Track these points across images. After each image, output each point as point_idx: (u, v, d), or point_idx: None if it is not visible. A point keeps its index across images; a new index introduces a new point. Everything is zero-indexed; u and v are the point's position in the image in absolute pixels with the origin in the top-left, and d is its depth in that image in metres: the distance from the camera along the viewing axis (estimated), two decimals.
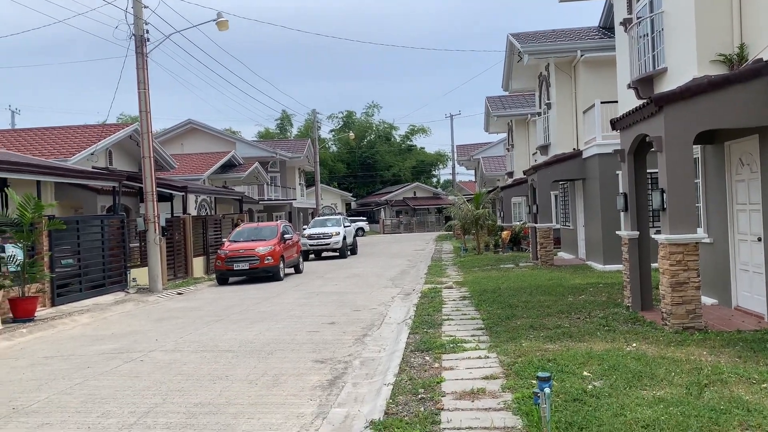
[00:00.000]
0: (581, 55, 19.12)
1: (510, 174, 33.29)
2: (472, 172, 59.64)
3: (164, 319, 12.41)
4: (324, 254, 30.51)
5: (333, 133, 78.21)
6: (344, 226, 31.29)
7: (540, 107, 23.17)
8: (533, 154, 28.97)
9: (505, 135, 42.16)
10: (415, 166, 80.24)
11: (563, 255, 22.01)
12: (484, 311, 10.93)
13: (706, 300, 10.27)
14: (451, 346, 8.11)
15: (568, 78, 20.22)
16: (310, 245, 29.63)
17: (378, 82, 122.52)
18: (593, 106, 17.82)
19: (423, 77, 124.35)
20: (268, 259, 19.02)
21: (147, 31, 17.25)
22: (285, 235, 20.48)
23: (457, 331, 9.24)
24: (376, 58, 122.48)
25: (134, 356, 8.77)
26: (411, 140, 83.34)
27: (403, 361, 7.50)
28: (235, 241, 20.08)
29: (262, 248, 19.20)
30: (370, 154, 79.44)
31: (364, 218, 65.65)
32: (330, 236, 29.66)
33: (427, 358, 7.60)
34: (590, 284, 13.83)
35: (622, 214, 10.69)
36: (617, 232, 11.11)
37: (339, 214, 45.08)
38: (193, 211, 30.54)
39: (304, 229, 32.61)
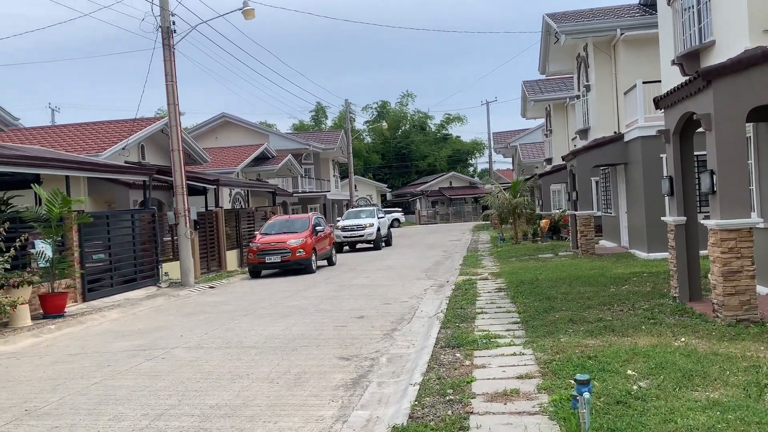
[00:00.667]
0: (621, 34, 18.25)
1: (548, 161, 32.42)
2: (509, 160, 58.57)
3: (192, 314, 12.21)
4: (358, 246, 30.21)
5: (367, 124, 77.84)
6: (378, 218, 30.90)
7: (578, 90, 22.32)
8: (572, 139, 28.06)
9: (542, 120, 41.13)
10: (451, 156, 79.31)
11: (605, 243, 21.21)
12: (521, 304, 10.40)
13: (762, 289, 9.54)
14: (484, 341, 7.63)
15: (608, 58, 19.35)
16: (344, 237, 29.34)
17: (412, 72, 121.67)
18: (634, 86, 16.98)
19: (458, 65, 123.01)
20: (299, 252, 18.75)
21: (173, 23, 17.07)
22: (317, 227, 20.19)
23: (491, 326, 8.74)
24: (409, 47, 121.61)
25: (156, 353, 8.52)
26: (446, 129, 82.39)
27: (432, 358, 7.06)
28: (266, 234, 19.88)
29: (293, 241, 18.95)
30: (404, 144, 78.81)
31: (400, 209, 65.21)
32: (364, 228, 29.31)
33: (458, 354, 7.13)
34: (634, 274, 13.14)
35: (667, 198, 10.02)
36: (662, 219, 10.43)
37: (373, 205, 44.91)
38: (227, 204, 30.56)
39: (338, 220, 32.35)
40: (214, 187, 21.72)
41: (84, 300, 14.28)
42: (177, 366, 7.72)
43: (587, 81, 20.56)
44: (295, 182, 41.72)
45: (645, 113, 16.71)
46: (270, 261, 18.73)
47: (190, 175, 22.02)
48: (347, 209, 37.81)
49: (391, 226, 57.94)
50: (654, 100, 9.97)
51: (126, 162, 21.11)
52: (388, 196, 78.17)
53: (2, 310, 10.73)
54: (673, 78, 11.37)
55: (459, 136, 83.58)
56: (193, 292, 16.15)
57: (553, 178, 28.93)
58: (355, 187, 70.26)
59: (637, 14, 19.10)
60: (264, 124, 57.54)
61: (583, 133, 21.53)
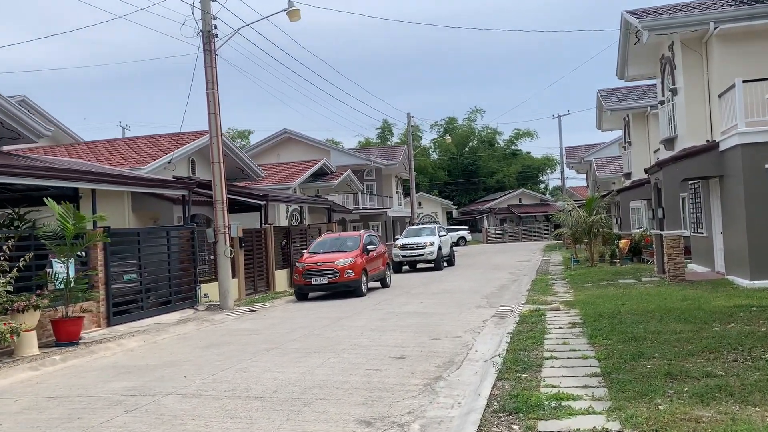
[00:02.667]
0: (715, 28, 15.84)
1: (627, 175, 29.70)
2: (583, 176, 55.45)
3: (214, 346, 10.72)
4: (419, 266, 28.44)
5: (432, 141, 76.23)
6: (439, 236, 29.04)
7: (663, 95, 19.87)
8: (654, 152, 25.41)
9: (619, 133, 38.22)
10: (521, 172, 76.47)
11: (695, 267, 18.59)
12: (600, 346, 8.36)
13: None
14: (553, 405, 5.70)
15: (698, 57, 16.94)
16: (403, 256, 27.64)
17: (481, 88, 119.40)
18: (732, 86, 14.58)
19: (529, 78, 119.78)
20: (348, 273, 17.14)
21: (215, 27, 15.95)
22: (368, 246, 18.55)
23: (563, 378, 6.79)
24: (478, 62, 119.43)
25: (143, 402, 7.00)
26: (516, 144, 79.73)
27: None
28: (314, 253, 18.39)
29: (342, 261, 17.36)
30: (472, 161, 76.64)
31: (466, 227, 63.03)
32: (424, 246, 27.51)
33: (515, 427, 5.24)
34: (739, 307, 10.78)
35: None
36: None
37: (434, 222, 42.85)
38: (284, 221, 29.45)
39: (396, 239, 30.67)
40: (263, 203, 20.46)
41: (109, 324, 13.09)
42: (155, 423, 6.15)
43: (673, 84, 18.14)
44: (355, 198, 40.41)
45: (746, 117, 14.29)
46: (316, 283, 17.20)
47: (239, 190, 20.91)
48: (409, 226, 36.09)
49: (456, 244, 56.22)
50: None
51: (175, 177, 20.17)
52: (454, 214, 76.01)
53: (2, 338, 9.54)
54: None
55: (529, 152, 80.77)
56: (230, 317, 14.77)
57: (633, 194, 26.26)
58: (420, 204, 68.70)
59: (731, 5, 16.66)
60: (330, 142, 56.84)
61: (669, 142, 19.05)
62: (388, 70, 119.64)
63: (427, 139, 75.17)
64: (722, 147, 15.42)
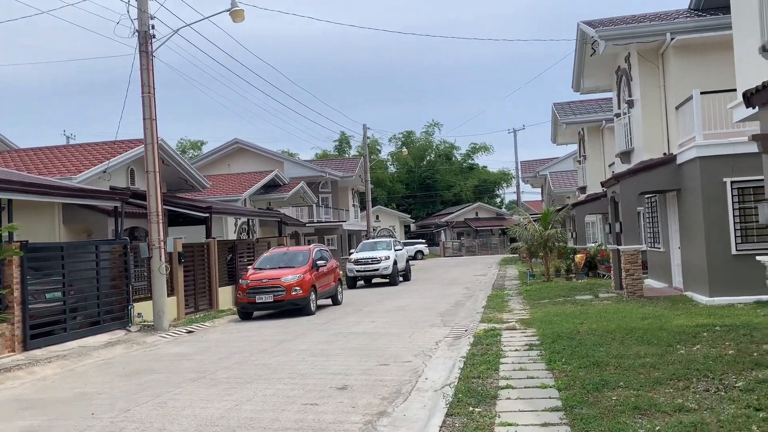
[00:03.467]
0: (671, 39, 15.58)
1: (582, 189, 29.53)
2: (538, 190, 55.62)
3: (137, 374, 9.64)
4: (375, 281, 27.59)
5: (390, 155, 75.77)
6: (395, 250, 28.27)
7: (619, 107, 19.60)
8: (609, 165, 25.24)
9: (574, 147, 38.30)
10: (477, 186, 76.63)
11: (652, 283, 18.23)
12: (560, 372, 7.65)
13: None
14: None
15: (655, 69, 16.66)
16: (357, 271, 26.76)
17: (439, 103, 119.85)
18: (690, 98, 14.27)
19: (486, 93, 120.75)
20: (295, 290, 16.16)
21: (153, 26, 14.90)
22: (318, 261, 17.60)
23: (520, 414, 6.03)
24: (436, 79, 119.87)
25: None
26: (473, 158, 79.99)
27: None
28: (260, 269, 17.35)
29: (289, 277, 16.37)
30: (429, 174, 76.45)
31: (423, 241, 62.43)
32: (379, 261, 26.69)
33: None
34: (702, 327, 10.26)
35: None
36: (759, 258, 7.61)
37: (390, 236, 42.19)
38: (232, 234, 28.27)
39: (351, 253, 29.78)
40: (207, 215, 19.33)
41: (25, 349, 11.83)
42: None
43: (630, 96, 17.85)
44: (310, 211, 39.41)
45: (704, 129, 13.96)
46: (261, 301, 16.15)
47: (180, 202, 19.76)
48: (364, 240, 35.22)
49: (413, 258, 55.55)
50: (744, 95, 7.28)
51: (111, 188, 18.90)
52: (412, 227, 75.55)
53: None
54: (755, 72, 8.68)
55: (485, 166, 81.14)
56: (164, 339, 13.62)
57: (588, 208, 26.02)
58: (377, 218, 67.97)
59: (688, 17, 16.45)
60: (286, 153, 55.65)
61: (625, 155, 18.74)
62: (346, 84, 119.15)
63: (386, 152, 74.80)
64: (680, 160, 15.09)
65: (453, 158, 79.41)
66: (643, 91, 16.85)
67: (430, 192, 76.52)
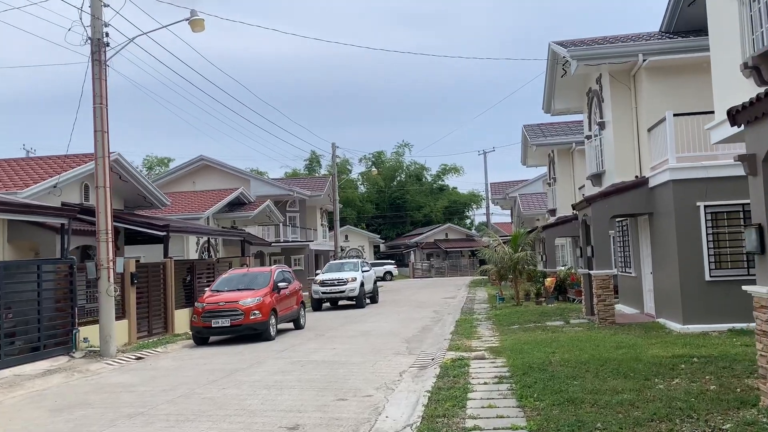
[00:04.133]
0: (644, 60, 15.33)
1: (552, 212, 29.27)
2: (508, 212, 55.55)
3: (69, 409, 8.74)
4: (341, 302, 26.80)
5: (360, 175, 75.30)
6: (363, 271, 27.57)
7: (590, 129, 19.32)
8: (580, 188, 25.02)
9: (544, 170, 38.23)
10: (448, 207, 76.48)
11: (623, 309, 17.81)
12: (532, 410, 7.02)
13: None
14: None
15: (627, 90, 16.40)
16: (323, 293, 25.97)
17: (410, 125, 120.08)
18: (663, 120, 13.98)
19: (458, 115, 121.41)
20: (254, 314, 15.32)
21: (107, 34, 14.13)
22: (279, 284, 16.79)
23: None
24: (408, 99, 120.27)
25: None
26: (443, 180, 79.96)
27: None
28: (218, 291, 16.46)
29: (248, 300, 15.53)
30: (400, 195, 76.13)
31: (393, 261, 61.76)
32: (345, 282, 25.95)
33: None
34: (678, 357, 9.76)
35: (756, 258, 6.67)
36: (746, 288, 7.11)
37: (357, 257, 41.37)
38: (194, 254, 27.28)
39: (317, 274, 28.97)
40: (164, 233, 18.43)
41: None
42: None
43: (601, 118, 17.56)
44: (276, 231, 38.51)
45: (677, 152, 13.65)
46: (217, 326, 15.26)
47: (135, 219, 18.83)
48: (332, 260, 34.44)
49: (382, 279, 54.80)
50: (729, 112, 6.82)
51: (63, 204, 17.90)
52: (382, 248, 74.92)
53: None
54: (734, 92, 8.29)
55: (456, 188, 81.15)
56: (109, 366, 12.68)
57: (558, 230, 25.72)
58: (346, 238, 67.20)
59: (659, 40, 16.26)
60: (255, 172, 54.66)
61: (597, 178, 18.42)
62: (317, 104, 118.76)
63: (356, 172, 74.34)
64: (652, 183, 14.75)
65: (423, 179, 79.28)
66: (614, 113, 16.57)
67: (400, 212, 76.14)
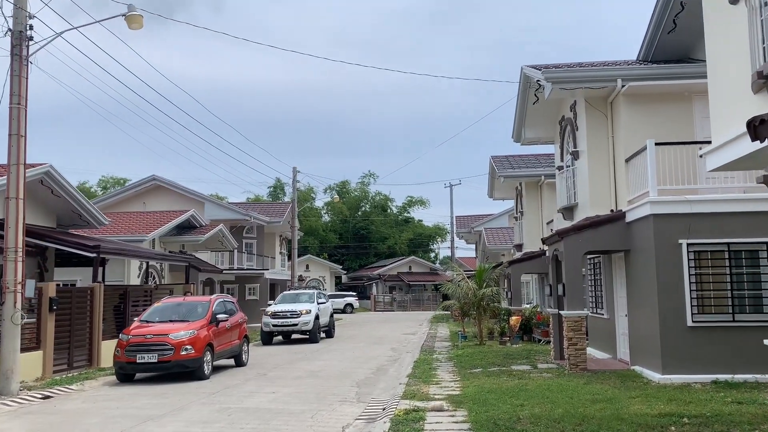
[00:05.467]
0: (622, 86, 14.31)
1: (518, 246, 28.15)
2: (473, 247, 54.53)
3: None
4: (294, 336, 25.03)
5: (325, 204, 73.76)
6: (318, 303, 25.91)
7: (562, 159, 18.24)
8: (548, 223, 23.95)
9: (510, 204, 37.32)
10: (412, 239, 75.18)
11: (594, 353, 16.48)
12: None
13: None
14: None
15: (603, 118, 15.37)
16: (273, 325, 24.20)
17: (376, 158, 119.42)
18: (643, 149, 12.89)
19: (424, 146, 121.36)
20: (186, 350, 13.54)
21: (31, 27, 12.52)
22: (219, 315, 15.06)
23: None
24: (374, 130, 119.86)
25: None
26: (408, 212, 78.85)
27: None
28: (148, 322, 14.63)
29: (181, 333, 13.75)
30: (364, 225, 74.64)
31: (354, 293, 59.97)
32: (299, 315, 24.23)
33: None
34: (666, 417, 8.40)
35: None
36: None
37: (313, 288, 39.62)
38: (135, 279, 25.26)
39: (269, 304, 27.17)
40: (94, 254, 16.58)
41: None
42: None
43: (575, 147, 16.49)
44: (231, 257, 36.58)
45: (659, 184, 12.53)
46: (143, 361, 13.41)
47: (59, 237, 16.97)
48: (286, 291, 32.63)
49: (342, 311, 52.93)
50: (750, 124, 5.54)
51: None
52: (344, 279, 73.04)
53: None
54: (741, 109, 7.12)
55: (421, 220, 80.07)
56: (5, 408, 10.77)
57: (525, 266, 24.48)
58: (307, 267, 65.23)
59: (639, 65, 15.35)
60: (215, 196, 52.64)
61: (568, 211, 17.27)
62: (282, 133, 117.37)
63: (322, 201, 72.77)
64: (630, 218, 13.59)
65: (388, 210, 78.10)
66: (590, 142, 15.48)
67: (364, 243, 74.57)
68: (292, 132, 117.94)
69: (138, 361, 13.40)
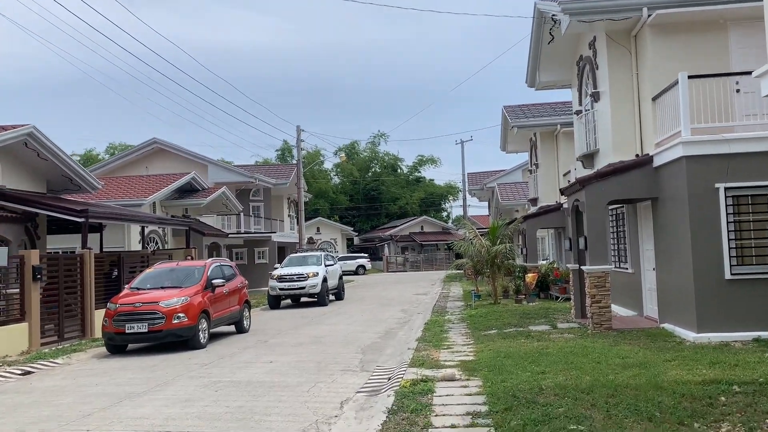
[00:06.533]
0: (649, 15, 12.81)
1: (533, 201, 26.83)
2: (485, 204, 53.19)
3: None
4: (303, 299, 24.16)
5: (335, 167, 72.36)
6: (326, 265, 24.92)
7: (580, 104, 16.85)
8: (565, 175, 22.59)
9: (524, 158, 35.86)
10: (424, 199, 73.84)
11: (617, 310, 15.31)
12: None
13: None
14: None
15: (626, 53, 13.91)
16: (280, 289, 23.28)
17: (386, 119, 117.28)
18: (674, 85, 11.52)
19: (435, 108, 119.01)
20: (178, 317, 12.57)
21: None
22: (214, 281, 14.07)
23: None
24: (386, 92, 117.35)
25: None
26: (419, 171, 77.22)
27: None
28: (138, 289, 13.67)
29: (172, 300, 12.76)
30: (374, 186, 73.33)
31: (366, 255, 59.07)
32: (306, 278, 23.28)
33: None
34: (713, 384, 7.30)
35: None
36: None
37: (321, 249, 38.67)
38: (137, 245, 24.37)
39: (276, 268, 26.24)
40: (82, 219, 15.58)
41: None
42: None
43: (595, 88, 15.08)
44: (238, 221, 35.60)
45: (693, 123, 11.19)
46: (132, 331, 12.47)
47: (50, 203, 15.97)
48: (293, 254, 31.66)
49: (355, 272, 52.14)
50: None
51: None
52: (355, 240, 72.15)
53: None
54: None
55: (432, 180, 78.44)
56: None
57: (540, 221, 23.28)
58: (318, 230, 64.38)
59: None
60: (222, 161, 51.48)
61: (588, 158, 15.96)
62: (291, 96, 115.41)
63: (331, 163, 71.41)
64: (658, 162, 12.29)
65: (399, 170, 76.59)
66: (612, 81, 14.06)
67: (375, 204, 73.42)
68: (299, 95, 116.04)
69: (127, 331, 12.46)
